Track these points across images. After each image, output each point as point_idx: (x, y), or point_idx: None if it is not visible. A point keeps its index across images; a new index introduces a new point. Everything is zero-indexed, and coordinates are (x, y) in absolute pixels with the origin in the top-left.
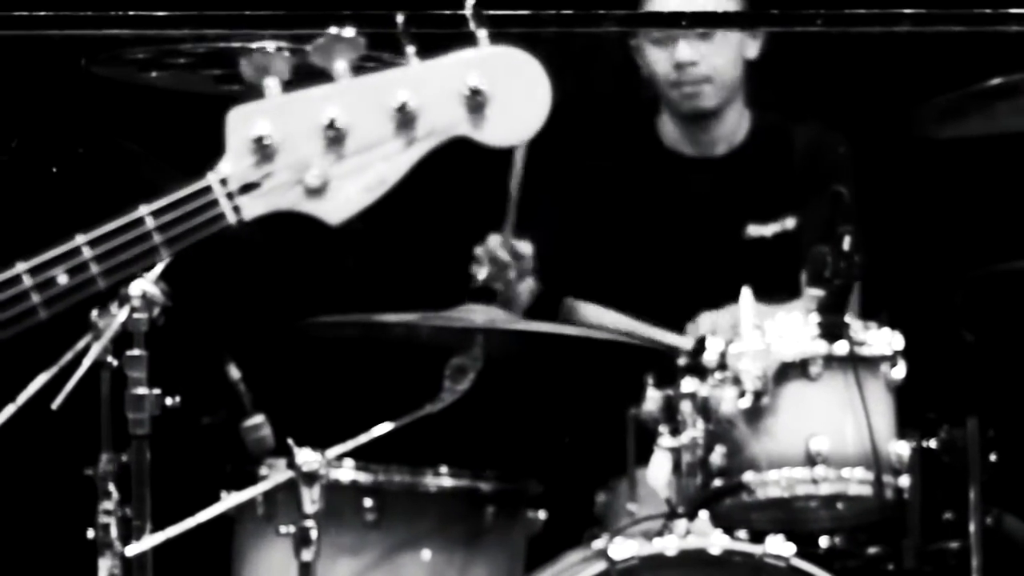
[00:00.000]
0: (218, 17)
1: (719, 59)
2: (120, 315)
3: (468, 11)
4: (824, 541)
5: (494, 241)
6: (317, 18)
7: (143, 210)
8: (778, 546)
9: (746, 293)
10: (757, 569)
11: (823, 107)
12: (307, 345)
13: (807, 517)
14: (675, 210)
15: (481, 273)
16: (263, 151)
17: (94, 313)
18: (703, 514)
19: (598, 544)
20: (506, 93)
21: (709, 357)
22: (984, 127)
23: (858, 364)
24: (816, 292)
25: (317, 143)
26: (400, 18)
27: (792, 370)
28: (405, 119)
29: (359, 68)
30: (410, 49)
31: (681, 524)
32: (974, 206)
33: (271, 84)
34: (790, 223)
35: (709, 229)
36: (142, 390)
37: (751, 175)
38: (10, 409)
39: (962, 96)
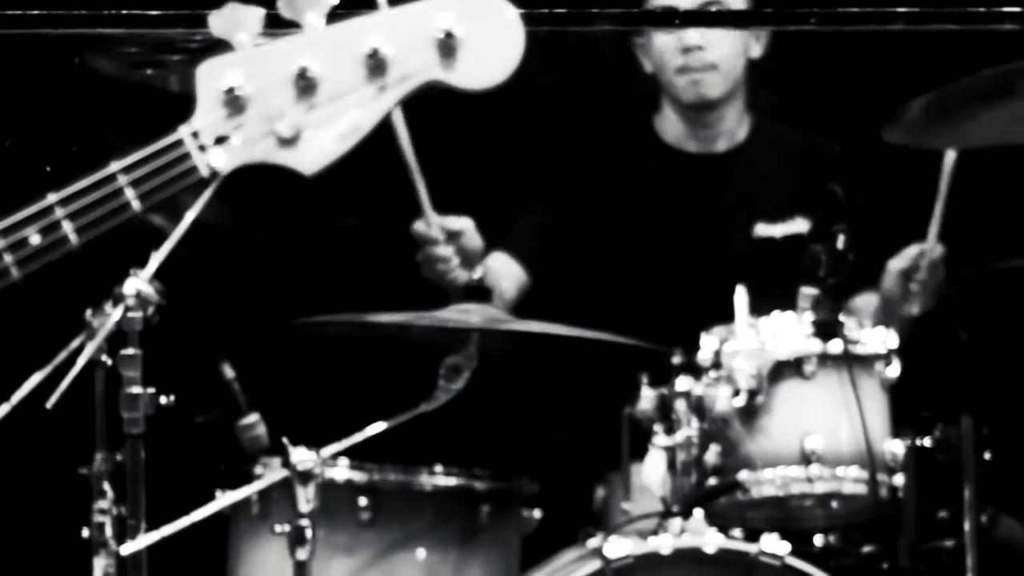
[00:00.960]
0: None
1: (725, 47)
2: (114, 314)
3: None
4: (819, 540)
5: (419, 228)
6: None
7: (114, 166)
8: (773, 545)
9: (740, 292)
10: (752, 568)
11: (815, 105)
12: (301, 344)
13: (802, 516)
14: (679, 207)
15: (426, 271)
16: (234, 103)
17: (88, 312)
18: (698, 513)
19: (593, 543)
20: (479, 36)
21: (703, 356)
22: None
23: (852, 363)
24: (810, 291)
25: (288, 93)
26: None
27: (787, 369)
28: (377, 65)
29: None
30: None
31: (676, 523)
32: (968, 204)
33: (241, 37)
34: (802, 225)
35: (714, 226)
36: (137, 389)
37: (754, 173)
38: (4, 408)
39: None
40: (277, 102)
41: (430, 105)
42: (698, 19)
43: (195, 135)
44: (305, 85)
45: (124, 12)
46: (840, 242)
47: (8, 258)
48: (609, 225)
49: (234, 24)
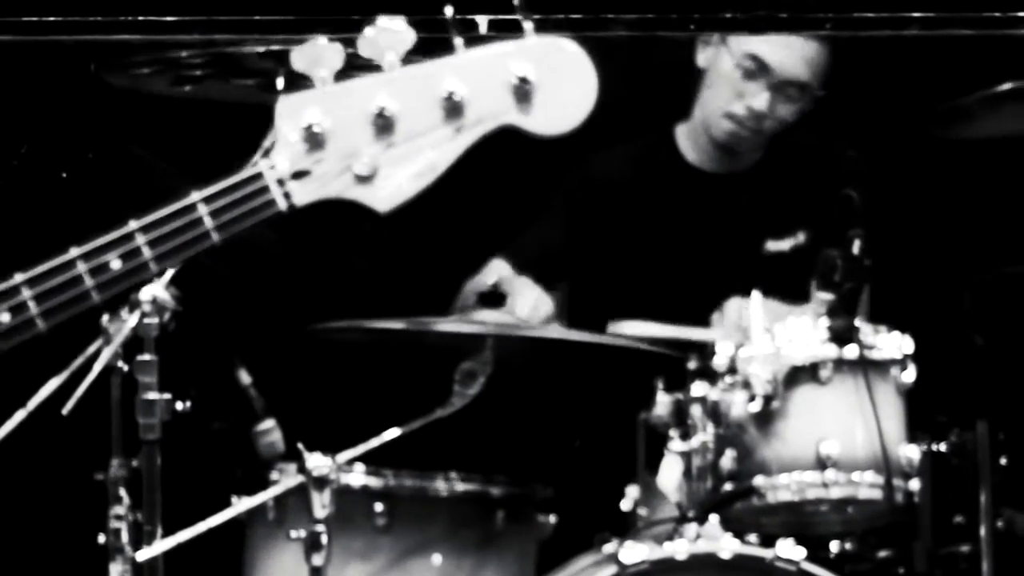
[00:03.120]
0: (227, 22)
1: (781, 121)
2: (131, 320)
3: (515, 1)
4: (834, 545)
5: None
6: (328, 23)
7: (195, 196)
8: (788, 550)
9: (756, 296)
10: (767, 573)
11: (831, 111)
12: (317, 349)
13: (817, 521)
14: (698, 226)
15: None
16: (313, 139)
17: (105, 318)
18: (713, 518)
19: (609, 548)
20: (553, 82)
21: (719, 361)
22: (993, 129)
23: (868, 368)
24: (826, 296)
25: (366, 131)
26: (449, 10)
27: (802, 374)
28: (453, 107)
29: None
30: (458, 40)
31: (691, 528)
32: (983, 209)
33: (321, 73)
34: (802, 237)
35: (732, 245)
36: (153, 395)
37: (770, 190)
38: (21, 414)
39: (971, 99)
40: (355, 139)
41: None
42: (715, 24)
43: (274, 169)
44: (383, 124)
45: (140, 19)
46: (856, 247)
47: (89, 282)
48: (622, 240)
49: (315, 60)
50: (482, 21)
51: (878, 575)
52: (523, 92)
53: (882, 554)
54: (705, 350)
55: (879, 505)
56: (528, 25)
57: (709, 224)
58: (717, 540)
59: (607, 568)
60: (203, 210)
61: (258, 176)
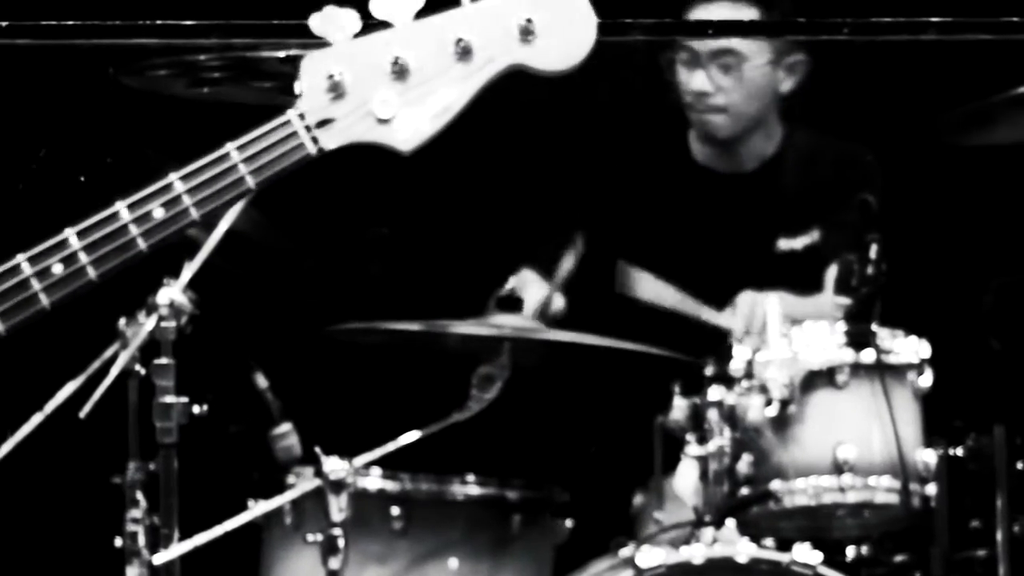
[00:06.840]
0: (245, 26)
1: (737, 93)
2: (148, 324)
3: None
4: (851, 549)
5: (530, 301)
6: None
7: (229, 146)
8: (805, 554)
9: (774, 300)
10: None
11: (850, 115)
12: (334, 353)
13: (834, 525)
14: (707, 226)
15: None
16: (335, 89)
17: (122, 322)
18: (730, 522)
19: (625, 552)
20: (555, 24)
21: (736, 365)
22: (1011, 135)
23: (885, 372)
24: (843, 300)
25: (384, 78)
26: None
27: (819, 378)
28: (464, 51)
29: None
30: None
31: (708, 532)
32: (1001, 213)
33: (337, 35)
34: (816, 235)
35: (741, 244)
36: (170, 398)
37: (782, 188)
38: (38, 417)
39: (989, 104)
40: (374, 87)
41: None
42: (732, 28)
43: (301, 117)
44: (399, 71)
45: (158, 23)
46: (873, 251)
47: (135, 230)
48: (638, 243)
49: (331, 24)
50: None
51: None
52: (527, 33)
53: (898, 559)
54: (722, 354)
55: (896, 509)
56: None
57: (719, 222)
58: (734, 544)
59: (624, 572)
60: (237, 157)
61: (287, 123)
